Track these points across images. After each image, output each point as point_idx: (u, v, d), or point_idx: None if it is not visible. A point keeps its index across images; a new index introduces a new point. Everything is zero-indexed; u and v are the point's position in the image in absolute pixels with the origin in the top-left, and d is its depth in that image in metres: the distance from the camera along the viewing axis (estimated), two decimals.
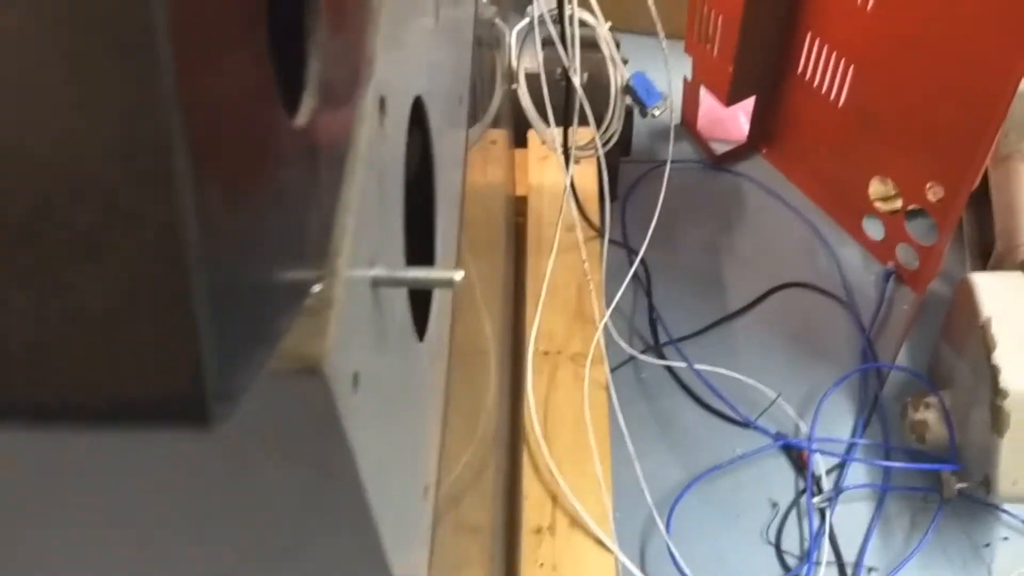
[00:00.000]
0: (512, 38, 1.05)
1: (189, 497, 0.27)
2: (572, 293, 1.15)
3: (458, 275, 0.29)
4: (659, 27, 0.98)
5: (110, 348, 0.14)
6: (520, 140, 1.25)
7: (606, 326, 1.16)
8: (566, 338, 1.13)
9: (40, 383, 0.15)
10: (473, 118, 0.92)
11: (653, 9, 0.95)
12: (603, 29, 0.94)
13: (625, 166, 1.52)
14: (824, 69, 1.32)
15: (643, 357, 1.27)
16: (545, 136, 1.04)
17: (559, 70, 0.99)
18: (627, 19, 1.72)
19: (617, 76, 0.97)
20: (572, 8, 0.94)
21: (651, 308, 1.36)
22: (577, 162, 1.28)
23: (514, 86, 1.04)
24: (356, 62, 0.26)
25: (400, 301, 0.33)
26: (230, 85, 0.16)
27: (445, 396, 0.44)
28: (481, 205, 1.04)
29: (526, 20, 1.01)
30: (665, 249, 1.44)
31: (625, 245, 1.39)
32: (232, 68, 0.16)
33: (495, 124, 1.12)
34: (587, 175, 1.23)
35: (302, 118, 0.22)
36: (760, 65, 1.40)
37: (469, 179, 0.92)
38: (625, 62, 1.42)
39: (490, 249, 1.10)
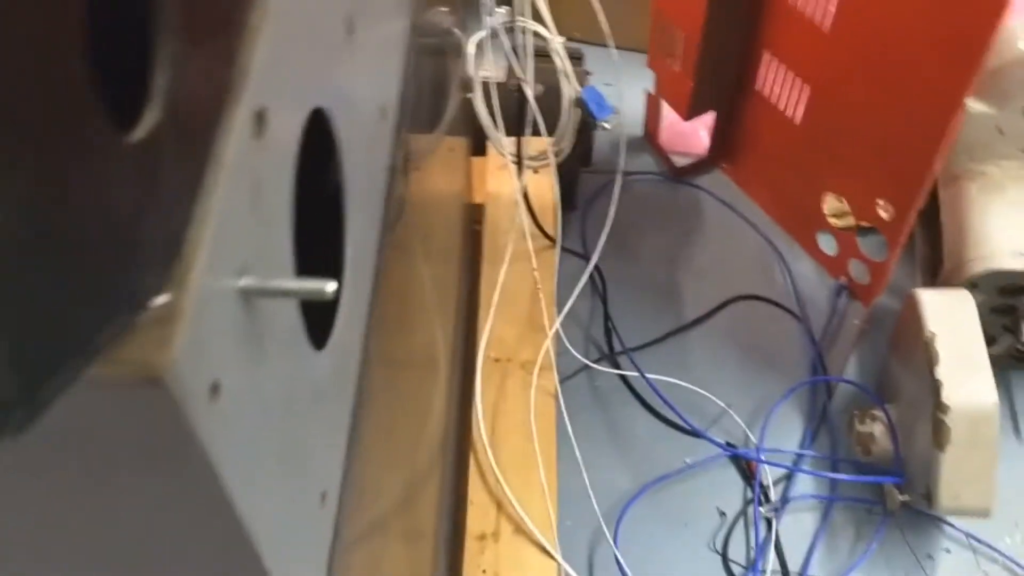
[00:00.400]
0: (470, 47, 1.06)
1: (51, 503, 0.27)
2: (525, 301, 1.15)
3: (330, 287, 0.29)
4: (610, 39, 0.99)
5: None
6: (480, 148, 1.26)
7: (559, 335, 1.17)
8: (517, 345, 1.13)
9: None
10: (421, 126, 0.93)
11: (604, 23, 0.96)
12: (556, 41, 0.95)
13: (587, 177, 1.53)
14: (781, 88, 1.34)
15: (596, 366, 1.28)
16: (499, 145, 1.04)
17: (513, 80, 1.00)
18: (591, 31, 1.74)
19: (569, 88, 0.98)
20: (524, 20, 0.95)
21: (606, 318, 1.37)
22: (535, 171, 1.29)
23: (469, 95, 1.04)
24: (220, 77, 0.27)
25: (287, 312, 0.34)
26: (32, 104, 0.17)
27: (355, 402, 0.44)
28: (432, 211, 1.05)
29: (483, 31, 1.02)
30: (623, 259, 1.45)
31: (583, 255, 1.40)
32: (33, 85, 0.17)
33: (452, 132, 1.13)
34: (544, 185, 1.24)
35: (140, 132, 0.22)
36: (719, 81, 1.42)
37: (417, 186, 0.93)
38: (587, 74, 1.43)
39: (442, 255, 1.11)
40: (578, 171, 1.48)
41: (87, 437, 0.25)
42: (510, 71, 0.95)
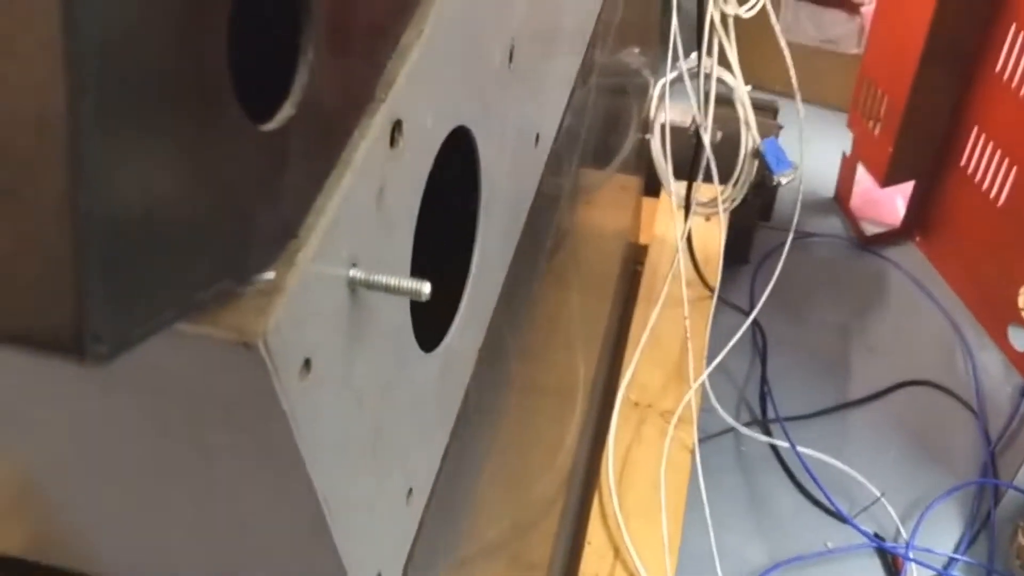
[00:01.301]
0: (655, 89, 1.07)
1: (146, 440, 0.30)
2: (675, 349, 1.14)
3: (425, 288, 0.31)
4: (797, 93, 0.97)
5: (11, 283, 0.18)
6: (653, 190, 1.26)
7: (706, 390, 1.14)
8: (659, 392, 1.12)
9: None
10: (592, 160, 0.94)
11: (794, 77, 0.94)
12: (740, 90, 0.94)
13: (767, 233, 1.49)
14: (987, 165, 1.25)
15: (745, 430, 1.24)
16: (668, 189, 1.04)
17: (694, 125, 0.99)
18: (791, 86, 1.70)
19: (748, 138, 0.97)
20: (712, 67, 0.95)
21: (763, 381, 1.32)
22: (707, 219, 1.27)
23: (647, 136, 1.05)
24: (361, 86, 0.29)
25: (396, 309, 0.36)
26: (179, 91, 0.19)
27: (460, 409, 0.46)
28: (594, 245, 1.06)
29: (671, 75, 1.02)
30: (791, 322, 1.40)
31: (745, 312, 1.36)
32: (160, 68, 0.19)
33: (626, 170, 1.14)
34: (711, 233, 1.22)
35: (273, 124, 0.25)
36: (921, 151, 1.35)
37: (582, 219, 0.94)
38: (779, 128, 1.40)
39: (598, 290, 1.11)
40: (755, 224, 1.44)
41: (188, 388, 0.27)
42: (686, 115, 0.95)
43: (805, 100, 1.75)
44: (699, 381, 1.05)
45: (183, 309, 0.22)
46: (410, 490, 0.41)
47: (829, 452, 1.22)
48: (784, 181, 0.95)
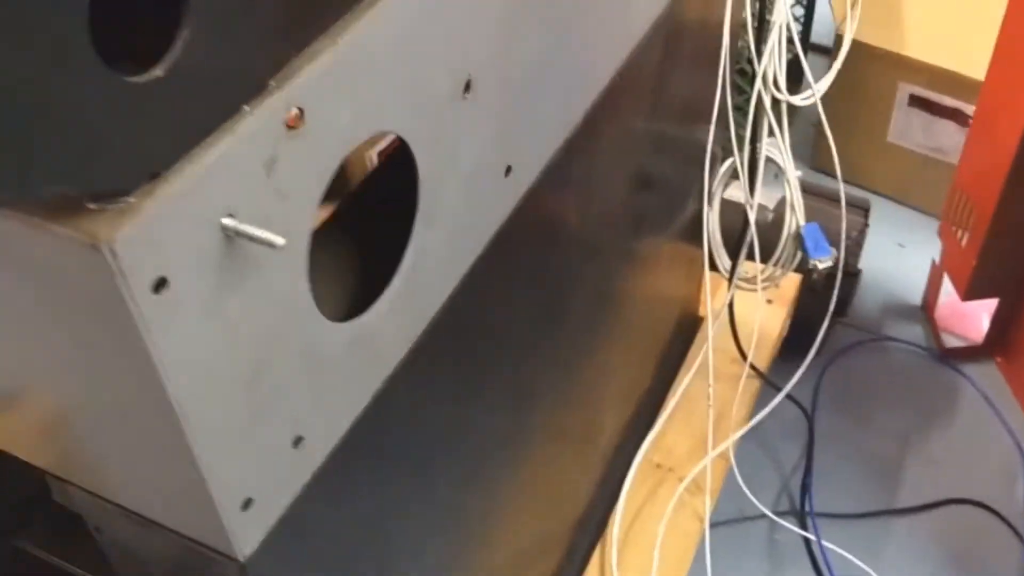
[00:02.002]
0: (720, 167, 1.10)
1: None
2: (708, 420, 1.14)
3: (279, 240, 0.37)
4: (841, 189, 0.98)
5: None
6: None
7: (731, 468, 1.13)
8: (684, 459, 1.12)
9: None
10: (644, 222, 0.98)
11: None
12: (790, 173, 0.97)
13: (845, 329, 1.48)
14: None
15: (774, 517, 1.22)
16: (718, 262, 1.07)
17: (746, 203, 1.02)
18: (898, 189, 1.69)
19: (792, 221, 0.98)
20: (773, 150, 0.98)
21: (807, 472, 1.30)
22: (769, 302, 1.28)
23: (706, 209, 1.08)
24: (247, 66, 0.36)
25: (292, 271, 0.42)
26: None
27: (382, 388, 0.52)
28: (642, 309, 1.09)
29: (733, 157, 1.05)
30: (849, 419, 1.37)
31: (798, 402, 1.34)
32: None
33: (686, 241, 1.17)
34: (770, 315, 1.23)
35: (140, 79, 0.32)
36: (1006, 268, 1.31)
37: (626, 281, 0.98)
38: (866, 226, 1.39)
39: (642, 353, 1.13)
40: (826, 317, 1.43)
41: (51, 281, 0.35)
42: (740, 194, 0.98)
43: (909, 204, 1.72)
44: (717, 451, 1.05)
45: (17, 193, 0.29)
46: (299, 438, 0.46)
47: (863, 556, 1.19)
48: (821, 267, 0.96)
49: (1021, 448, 1.30)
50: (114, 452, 0.44)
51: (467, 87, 0.52)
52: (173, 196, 0.34)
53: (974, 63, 1.50)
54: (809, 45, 1.91)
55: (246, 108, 0.37)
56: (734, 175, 1.03)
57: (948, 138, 1.60)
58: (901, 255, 1.62)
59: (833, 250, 0.97)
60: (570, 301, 0.86)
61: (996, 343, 1.41)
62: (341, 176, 0.45)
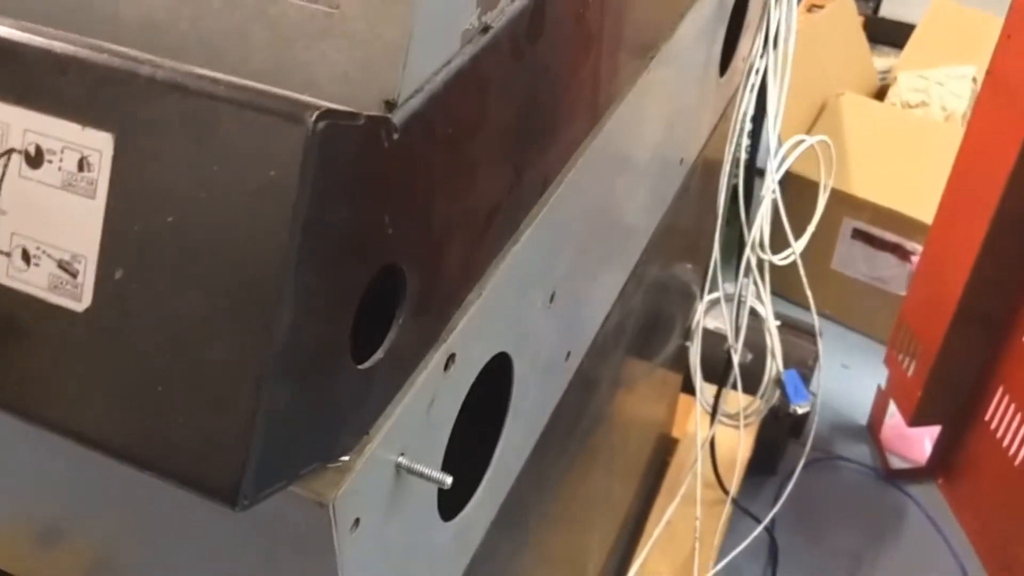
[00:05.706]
0: (701, 304, 1.20)
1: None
2: (687, 546, 1.21)
3: (447, 480, 0.43)
4: (816, 326, 1.08)
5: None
6: (691, 387, 1.37)
7: None
8: None
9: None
10: (629, 358, 1.06)
11: (811, 303, 1.05)
12: (769, 323, 1.06)
13: (799, 449, 1.57)
14: (1008, 424, 1.33)
15: None
16: (699, 396, 1.15)
17: (731, 347, 1.11)
18: (845, 312, 1.82)
19: (772, 367, 1.08)
20: (746, 295, 1.08)
21: None
22: (746, 426, 1.37)
23: (687, 343, 1.17)
24: (431, 333, 0.43)
25: (427, 487, 0.48)
26: (314, 345, 0.33)
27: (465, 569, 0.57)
28: (625, 433, 1.16)
29: (716, 294, 1.15)
30: (809, 539, 1.46)
31: (758, 519, 1.43)
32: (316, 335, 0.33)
33: (667, 366, 1.25)
34: (740, 443, 1.31)
35: (368, 364, 0.38)
36: (949, 399, 1.43)
37: (616, 408, 1.05)
38: (816, 353, 1.50)
39: (624, 476, 1.20)
40: (786, 440, 1.53)
41: (271, 526, 0.40)
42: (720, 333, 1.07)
43: (853, 328, 1.86)
44: None
45: (292, 480, 0.34)
46: None
47: None
48: (800, 411, 1.05)
49: (962, 567, 1.41)
50: None
51: (552, 298, 0.59)
52: (374, 450, 0.40)
53: (915, 203, 1.66)
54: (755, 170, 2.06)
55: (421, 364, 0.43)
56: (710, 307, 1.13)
57: (889, 270, 1.74)
58: (846, 376, 1.74)
59: (811, 395, 1.07)
60: (574, 433, 0.93)
61: (938, 466, 1.53)
62: None
